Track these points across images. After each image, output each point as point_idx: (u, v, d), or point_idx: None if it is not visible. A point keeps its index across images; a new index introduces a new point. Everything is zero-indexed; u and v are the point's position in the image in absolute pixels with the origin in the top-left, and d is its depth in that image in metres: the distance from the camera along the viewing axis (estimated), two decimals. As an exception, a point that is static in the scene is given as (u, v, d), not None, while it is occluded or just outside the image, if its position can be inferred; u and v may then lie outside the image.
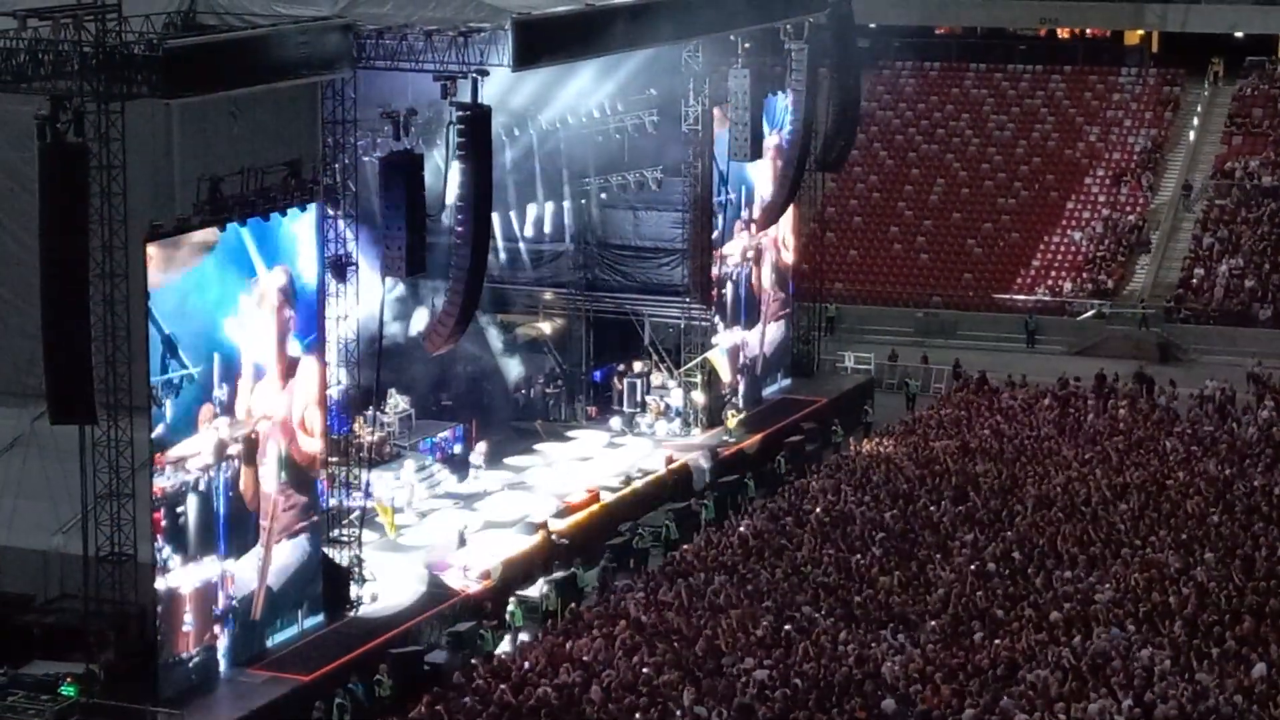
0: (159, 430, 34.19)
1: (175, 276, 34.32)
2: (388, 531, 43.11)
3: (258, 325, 36.52)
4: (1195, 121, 75.61)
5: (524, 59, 40.68)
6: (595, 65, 48.20)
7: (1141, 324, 66.47)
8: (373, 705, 35.87)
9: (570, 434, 51.92)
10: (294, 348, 37.59)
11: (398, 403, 48.02)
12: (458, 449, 49.05)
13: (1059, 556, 40.41)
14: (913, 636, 36.11)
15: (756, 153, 52.51)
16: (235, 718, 34.76)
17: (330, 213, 38.63)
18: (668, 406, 52.83)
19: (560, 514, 44.95)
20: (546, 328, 54.02)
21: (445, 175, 40.13)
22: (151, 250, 33.61)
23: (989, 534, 42.05)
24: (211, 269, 35.26)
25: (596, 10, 44.23)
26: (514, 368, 53.10)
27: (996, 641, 35.37)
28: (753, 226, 54.97)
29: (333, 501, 39.30)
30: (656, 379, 53.58)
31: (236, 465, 36.11)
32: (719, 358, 53.32)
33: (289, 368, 37.51)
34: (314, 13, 39.17)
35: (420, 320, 47.36)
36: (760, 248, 55.60)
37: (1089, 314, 67.91)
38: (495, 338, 52.78)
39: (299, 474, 38.02)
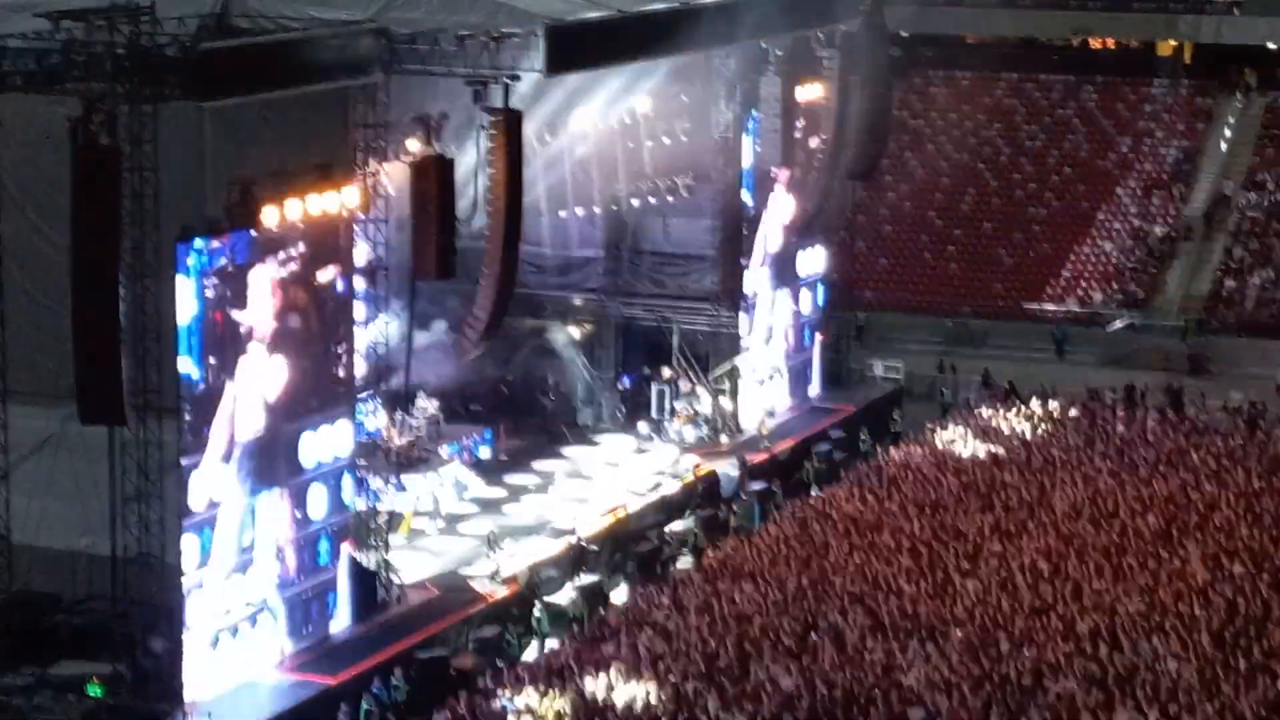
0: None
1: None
2: (402, 533, 43.02)
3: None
4: (1227, 132, 75.39)
5: (556, 64, 40.72)
6: (626, 71, 48.19)
7: (1184, 336, 66.16)
8: (390, 708, 35.90)
9: (597, 439, 51.91)
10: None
11: (426, 406, 48.05)
12: (485, 452, 49.07)
13: (1086, 567, 40.32)
14: (939, 646, 36.06)
15: (787, 160, 52.44)
16: (261, 720, 34.88)
17: (361, 217, 38.70)
18: (696, 413, 52.76)
19: (587, 520, 44.92)
20: (576, 333, 53.99)
21: (476, 180, 40.15)
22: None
23: (1016, 544, 41.97)
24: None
25: (628, 17, 44.21)
26: (561, 376, 53.17)
27: (1023, 652, 35.30)
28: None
29: (361, 505, 39.35)
30: (685, 385, 53.53)
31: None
32: (746, 364, 53.28)
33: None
34: (347, 17, 39.19)
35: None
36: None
37: (1119, 325, 67.75)
38: (525, 343, 52.78)
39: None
